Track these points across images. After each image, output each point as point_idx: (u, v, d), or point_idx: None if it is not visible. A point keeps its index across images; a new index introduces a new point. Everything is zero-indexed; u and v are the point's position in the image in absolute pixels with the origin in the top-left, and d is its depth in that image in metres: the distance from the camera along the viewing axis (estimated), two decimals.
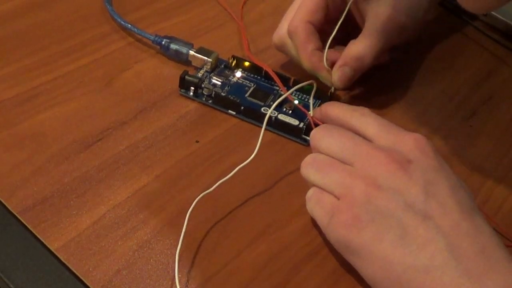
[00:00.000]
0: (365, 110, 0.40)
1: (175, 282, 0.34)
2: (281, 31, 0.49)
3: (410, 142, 0.36)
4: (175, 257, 0.35)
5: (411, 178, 0.35)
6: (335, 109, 0.42)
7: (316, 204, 0.37)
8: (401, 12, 0.47)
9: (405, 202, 0.34)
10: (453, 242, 0.32)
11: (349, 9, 0.48)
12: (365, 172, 0.35)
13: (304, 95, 0.47)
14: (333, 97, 0.48)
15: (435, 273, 0.32)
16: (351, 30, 0.49)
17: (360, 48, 0.46)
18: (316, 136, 0.39)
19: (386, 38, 0.47)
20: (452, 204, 0.34)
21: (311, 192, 0.38)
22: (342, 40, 0.48)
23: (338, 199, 0.36)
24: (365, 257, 0.34)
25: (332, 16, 0.49)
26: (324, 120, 0.43)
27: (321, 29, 0.48)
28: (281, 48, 0.50)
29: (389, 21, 0.46)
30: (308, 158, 0.39)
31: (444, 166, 0.36)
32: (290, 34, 0.48)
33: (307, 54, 0.47)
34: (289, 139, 0.45)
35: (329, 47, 0.46)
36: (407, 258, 0.33)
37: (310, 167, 0.38)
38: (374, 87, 0.52)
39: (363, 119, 0.39)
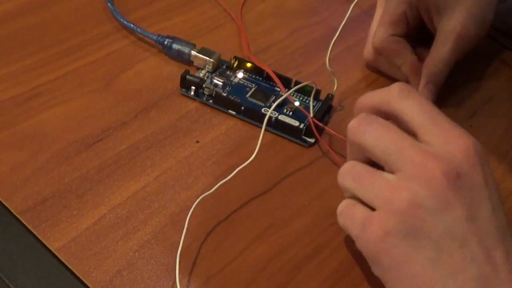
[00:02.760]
0: (404, 89, 0.35)
1: (175, 283, 0.34)
2: (370, 47, 0.50)
3: (460, 149, 0.33)
4: (175, 258, 0.35)
5: (457, 197, 0.32)
6: (369, 98, 0.37)
7: (347, 218, 0.35)
8: (473, 24, 0.48)
9: (445, 224, 0.32)
10: (483, 272, 0.31)
11: (420, 15, 0.50)
12: (407, 184, 0.32)
13: (306, 97, 0.47)
14: (333, 99, 0.48)
15: None
16: (422, 36, 0.51)
17: (438, 64, 0.48)
18: (355, 130, 0.35)
19: (460, 51, 0.48)
20: (492, 230, 0.32)
21: (343, 206, 0.36)
22: (413, 39, 0.50)
23: (372, 206, 0.34)
24: (393, 274, 0.32)
25: (412, 25, 0.50)
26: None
27: (405, 37, 0.49)
28: (373, 63, 0.51)
29: (462, 35, 0.47)
30: (347, 166, 0.36)
31: (490, 182, 0.33)
32: (378, 50, 0.49)
33: (408, 63, 0.48)
34: (289, 140, 0.45)
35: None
36: (437, 283, 0.31)
37: (347, 177, 0.35)
38: (375, 88, 0.51)
39: (405, 103, 0.35)
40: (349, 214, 0.35)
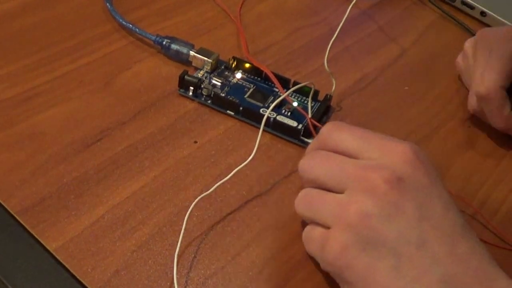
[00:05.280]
0: (332, 126, 0.37)
1: (173, 283, 0.35)
2: (473, 98, 0.48)
3: (398, 156, 0.34)
4: (173, 258, 0.35)
5: (404, 200, 0.32)
6: (310, 146, 0.39)
7: (309, 243, 0.36)
8: None
9: (398, 229, 0.32)
10: (448, 271, 0.31)
11: None
12: (355, 198, 0.33)
13: (304, 97, 0.47)
14: (331, 99, 0.48)
15: None
16: None
17: None
18: (303, 168, 0.37)
19: None
20: (446, 226, 0.32)
21: (304, 233, 0.36)
22: None
23: (328, 226, 0.34)
24: (358, 284, 0.32)
25: None
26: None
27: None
28: (478, 113, 0.49)
29: None
30: (300, 195, 0.37)
31: (435, 180, 0.34)
32: (483, 98, 0.47)
33: (503, 119, 0.47)
34: (287, 140, 0.45)
35: None
36: None
37: (301, 203, 0.37)
38: (373, 88, 0.52)
39: (336, 137, 0.36)
40: (310, 238, 0.36)
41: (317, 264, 0.37)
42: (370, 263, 0.32)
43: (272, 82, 0.47)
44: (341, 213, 0.33)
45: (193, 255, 0.37)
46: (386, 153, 0.34)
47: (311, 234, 0.36)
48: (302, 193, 0.37)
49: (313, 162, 0.37)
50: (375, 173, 0.33)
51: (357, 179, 0.34)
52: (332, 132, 0.37)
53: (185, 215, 0.37)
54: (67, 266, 0.35)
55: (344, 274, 0.33)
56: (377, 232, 0.32)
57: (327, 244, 0.33)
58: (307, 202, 0.36)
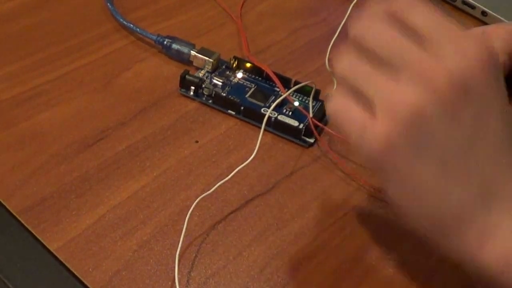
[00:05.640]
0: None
1: (174, 283, 0.34)
2: None
3: (472, 56, 0.30)
4: (175, 258, 0.35)
5: (463, 106, 0.29)
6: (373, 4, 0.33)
7: (344, 118, 0.32)
8: None
9: (449, 135, 0.30)
10: (488, 178, 0.30)
11: None
12: (412, 87, 0.29)
13: (305, 97, 0.47)
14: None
15: (467, 211, 0.30)
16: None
17: None
18: (357, 27, 0.32)
19: None
20: (498, 140, 0.30)
21: (337, 103, 0.32)
22: None
23: (371, 107, 0.30)
24: (396, 180, 0.31)
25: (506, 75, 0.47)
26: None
27: None
28: None
29: None
30: (348, 53, 0.32)
31: (501, 92, 0.31)
32: None
33: None
34: (288, 140, 0.45)
35: None
36: (441, 194, 0.30)
37: (347, 66, 0.32)
38: None
39: (410, 10, 0.31)
40: (345, 114, 0.32)
41: (317, 264, 0.37)
42: (413, 160, 0.30)
43: (273, 82, 0.47)
44: (394, 99, 0.30)
45: (194, 255, 0.36)
46: (459, 50, 0.30)
47: (349, 109, 0.32)
48: (350, 52, 0.32)
49: (372, 26, 0.32)
50: (442, 68, 0.29)
51: (418, 67, 0.30)
52: (408, 3, 0.32)
53: (186, 215, 0.37)
54: (68, 266, 0.35)
55: (382, 167, 0.31)
56: (428, 130, 0.30)
57: (370, 130, 0.30)
58: (355, 66, 0.32)
